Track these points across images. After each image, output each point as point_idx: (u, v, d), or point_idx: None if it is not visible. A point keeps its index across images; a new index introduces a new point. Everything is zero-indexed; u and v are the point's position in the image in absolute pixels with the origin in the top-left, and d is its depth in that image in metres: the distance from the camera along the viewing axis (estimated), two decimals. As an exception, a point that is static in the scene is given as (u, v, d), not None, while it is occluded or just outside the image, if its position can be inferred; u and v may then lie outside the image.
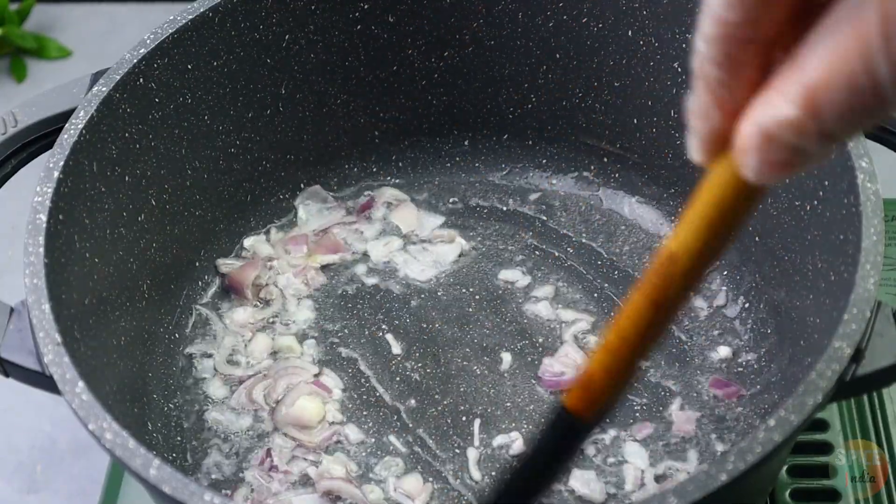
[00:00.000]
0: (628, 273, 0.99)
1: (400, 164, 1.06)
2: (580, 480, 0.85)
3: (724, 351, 0.92)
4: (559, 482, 0.80)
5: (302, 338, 0.95)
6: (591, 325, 0.95)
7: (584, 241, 1.01)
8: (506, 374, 0.93)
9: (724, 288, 0.96)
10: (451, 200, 1.05)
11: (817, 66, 0.43)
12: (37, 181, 0.78)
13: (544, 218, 1.03)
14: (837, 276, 0.76)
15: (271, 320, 0.97)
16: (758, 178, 0.47)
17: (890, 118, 0.81)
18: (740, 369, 0.91)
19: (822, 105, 0.43)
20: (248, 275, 0.97)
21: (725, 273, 0.97)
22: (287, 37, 0.95)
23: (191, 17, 0.88)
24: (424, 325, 0.96)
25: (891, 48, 0.41)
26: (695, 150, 0.51)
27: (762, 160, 0.46)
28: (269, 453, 0.87)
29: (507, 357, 0.94)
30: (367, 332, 0.96)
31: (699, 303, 0.96)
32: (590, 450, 0.87)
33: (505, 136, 1.05)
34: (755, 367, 0.91)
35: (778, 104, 0.45)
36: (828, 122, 0.44)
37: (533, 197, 1.05)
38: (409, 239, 1.02)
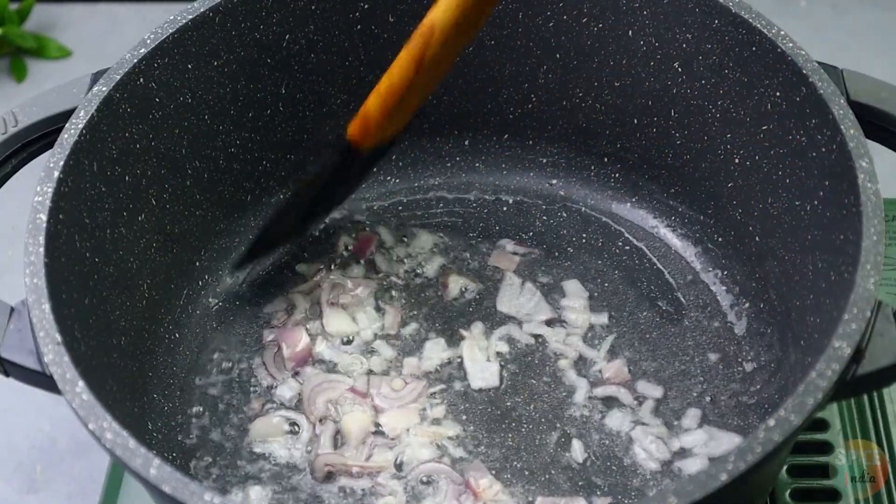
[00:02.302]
0: (628, 272, 0.99)
1: (400, 164, 1.06)
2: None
3: (723, 351, 0.93)
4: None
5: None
6: (589, 323, 0.95)
7: (584, 240, 1.01)
8: (505, 373, 0.93)
9: (725, 288, 0.96)
10: (451, 200, 1.05)
11: None
12: (37, 181, 0.78)
13: (545, 218, 1.03)
14: (837, 276, 0.76)
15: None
16: None
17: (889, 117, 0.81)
18: (740, 369, 0.91)
19: None
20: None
21: (725, 273, 0.97)
22: (287, 37, 0.95)
23: (191, 17, 0.89)
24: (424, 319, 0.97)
25: None
26: None
27: None
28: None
29: (504, 349, 0.94)
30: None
31: (699, 301, 0.96)
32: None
33: (505, 136, 1.05)
34: (754, 367, 0.91)
35: None
36: None
37: (533, 197, 1.05)
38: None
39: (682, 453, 0.87)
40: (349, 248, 1.01)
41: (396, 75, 0.75)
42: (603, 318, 0.96)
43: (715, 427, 0.88)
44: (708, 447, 0.87)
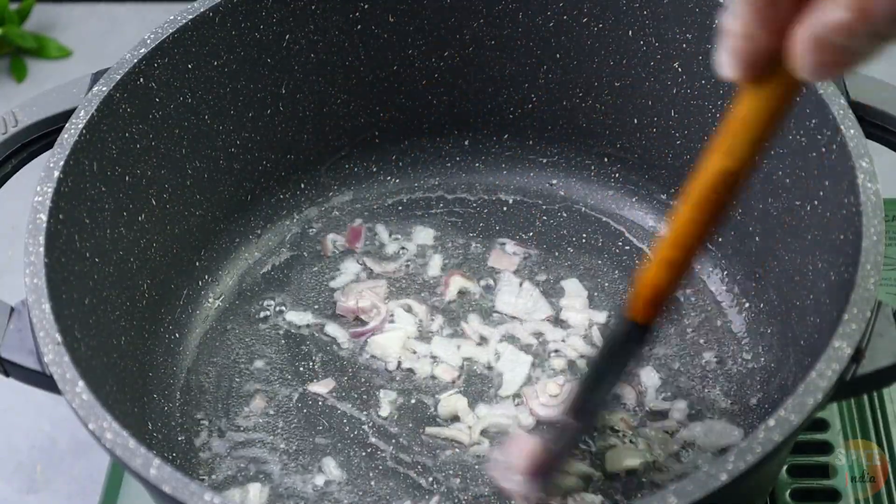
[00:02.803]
0: (628, 272, 0.99)
1: (400, 164, 1.06)
2: None
3: (722, 351, 0.93)
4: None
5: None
6: (590, 322, 0.95)
7: (584, 240, 1.01)
8: (503, 371, 0.93)
9: (725, 288, 0.96)
10: (451, 200, 1.05)
11: None
12: (37, 181, 0.78)
13: (545, 218, 1.03)
14: (837, 276, 0.76)
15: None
16: (812, 78, 0.52)
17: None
18: (739, 369, 0.91)
19: (872, 8, 0.47)
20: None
21: (726, 273, 0.97)
22: (287, 37, 0.95)
23: (191, 17, 0.89)
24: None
25: None
26: (730, 67, 0.54)
27: (817, 61, 0.51)
28: None
29: (504, 347, 0.94)
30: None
31: (699, 301, 0.96)
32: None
33: (505, 136, 1.05)
34: (754, 367, 0.91)
35: (831, 10, 0.49)
36: (878, 23, 0.48)
37: (533, 197, 1.05)
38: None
39: (685, 449, 0.87)
40: (338, 245, 1.02)
41: (687, 236, 0.63)
42: (602, 318, 0.96)
43: (714, 420, 0.88)
44: (709, 438, 0.87)
